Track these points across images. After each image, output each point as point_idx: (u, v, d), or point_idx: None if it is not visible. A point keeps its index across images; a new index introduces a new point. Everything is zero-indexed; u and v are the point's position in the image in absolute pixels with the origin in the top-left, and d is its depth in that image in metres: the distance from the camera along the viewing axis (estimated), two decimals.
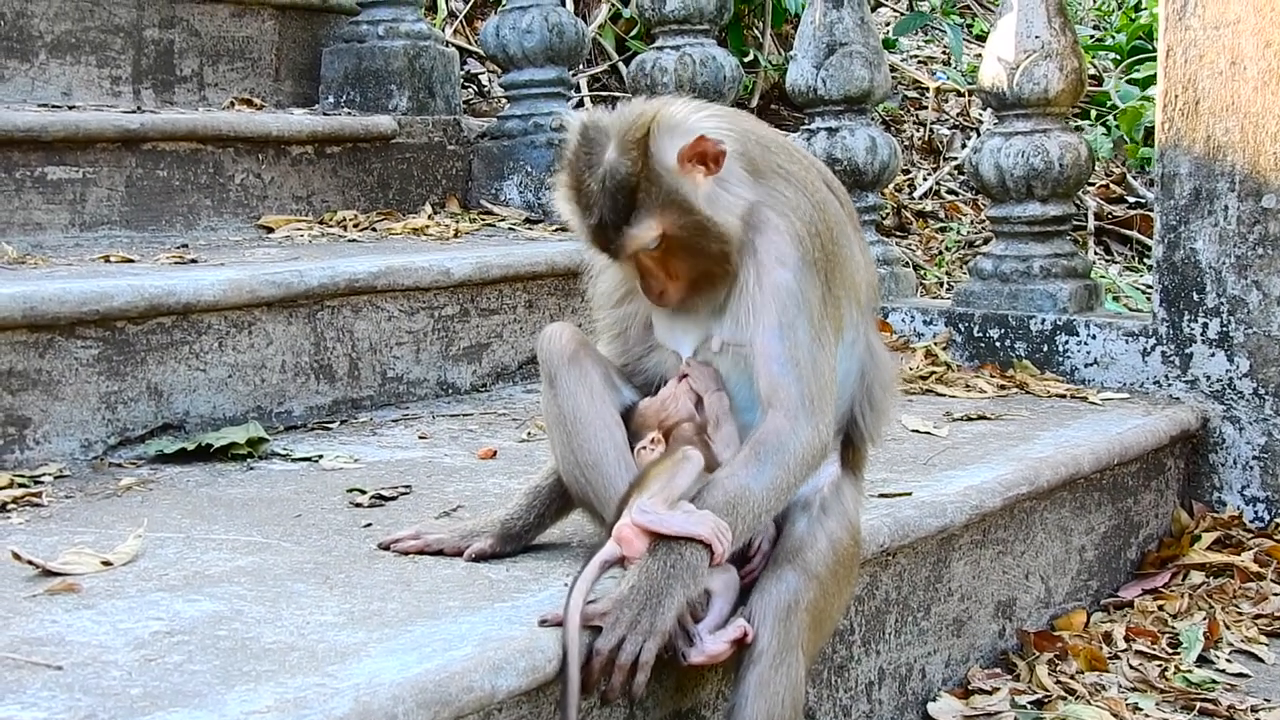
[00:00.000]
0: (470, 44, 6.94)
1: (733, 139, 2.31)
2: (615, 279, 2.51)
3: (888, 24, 7.90)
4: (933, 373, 4.23)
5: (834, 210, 2.41)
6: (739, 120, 2.41)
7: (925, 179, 7.12)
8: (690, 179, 2.28)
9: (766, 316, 2.30)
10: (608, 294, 2.55)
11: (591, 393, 2.44)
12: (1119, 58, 7.90)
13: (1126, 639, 3.34)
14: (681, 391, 2.40)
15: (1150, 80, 7.13)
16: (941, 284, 6.13)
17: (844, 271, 2.39)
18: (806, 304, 2.31)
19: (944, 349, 4.39)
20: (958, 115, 7.60)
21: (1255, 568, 3.66)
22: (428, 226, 4.95)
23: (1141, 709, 3.02)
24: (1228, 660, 3.27)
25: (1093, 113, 7.46)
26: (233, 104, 5.29)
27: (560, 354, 2.48)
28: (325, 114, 5.28)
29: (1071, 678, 3.13)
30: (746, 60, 6.95)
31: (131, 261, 3.97)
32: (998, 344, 4.34)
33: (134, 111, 4.69)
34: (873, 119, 4.93)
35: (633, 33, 7.12)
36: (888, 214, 6.58)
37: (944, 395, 4.06)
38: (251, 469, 3.20)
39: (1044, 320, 4.26)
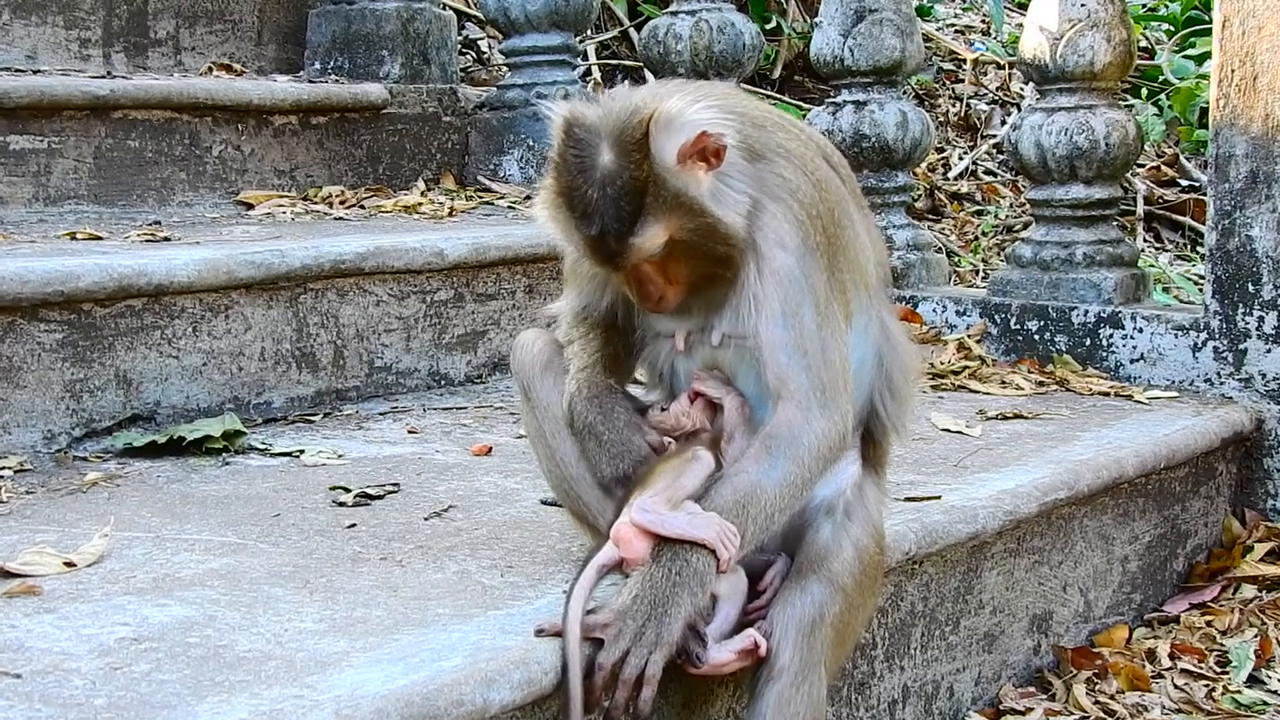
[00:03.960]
0: (469, 7, 6.94)
1: (732, 128, 2.29)
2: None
3: None
4: (965, 367, 4.23)
5: (835, 188, 2.41)
6: (732, 102, 2.38)
7: (961, 158, 7.11)
8: (692, 176, 2.25)
9: (769, 304, 2.29)
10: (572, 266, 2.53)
11: None
12: (1172, 29, 7.88)
13: (1171, 657, 3.34)
14: (697, 410, 2.40)
15: (1207, 55, 7.12)
16: (977, 272, 6.13)
17: (848, 254, 2.39)
18: (811, 288, 2.30)
19: (978, 342, 4.39)
20: (997, 89, 7.60)
21: None
22: (420, 204, 4.96)
23: None
24: None
25: (1144, 90, 7.44)
26: (211, 70, 5.29)
27: (533, 364, 2.51)
28: (311, 81, 5.28)
29: (1111, 698, 3.14)
30: (768, 27, 6.96)
31: (100, 239, 3.98)
32: (1036, 337, 4.33)
33: (104, 77, 4.70)
34: (904, 92, 4.93)
35: None
36: (919, 195, 6.57)
37: (977, 392, 4.05)
38: (227, 464, 3.21)
39: (1087, 312, 4.25)
